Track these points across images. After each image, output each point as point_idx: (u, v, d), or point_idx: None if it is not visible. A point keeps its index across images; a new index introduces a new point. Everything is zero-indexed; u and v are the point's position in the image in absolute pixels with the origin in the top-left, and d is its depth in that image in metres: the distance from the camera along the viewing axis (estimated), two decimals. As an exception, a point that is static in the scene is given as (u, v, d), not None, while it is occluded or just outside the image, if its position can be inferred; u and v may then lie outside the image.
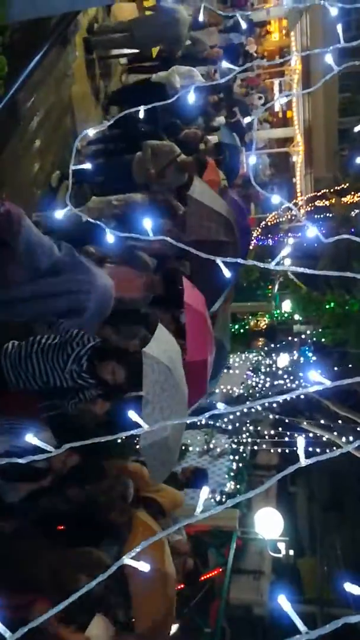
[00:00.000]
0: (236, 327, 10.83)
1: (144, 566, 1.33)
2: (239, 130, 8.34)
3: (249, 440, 8.76)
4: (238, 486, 8.25)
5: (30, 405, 3.22)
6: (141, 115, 2.61)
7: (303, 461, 1.36)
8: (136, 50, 7.95)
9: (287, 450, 8.96)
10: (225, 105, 8.06)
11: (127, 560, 1.31)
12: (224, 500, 7.65)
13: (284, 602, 1.10)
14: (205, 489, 1.49)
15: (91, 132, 2.31)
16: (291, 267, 1.53)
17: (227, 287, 4.74)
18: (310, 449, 8.14)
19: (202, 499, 1.38)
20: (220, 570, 6.23)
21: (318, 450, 8.13)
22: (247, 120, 7.56)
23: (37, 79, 5.00)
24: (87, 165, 2.30)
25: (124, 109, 2.42)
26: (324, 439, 8.81)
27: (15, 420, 3.00)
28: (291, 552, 9.43)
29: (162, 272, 4.35)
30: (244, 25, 7.66)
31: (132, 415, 1.59)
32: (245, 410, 8.27)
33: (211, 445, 8.08)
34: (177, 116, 6.40)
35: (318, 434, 8.97)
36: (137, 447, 3.68)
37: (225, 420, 8.41)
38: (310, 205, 14.68)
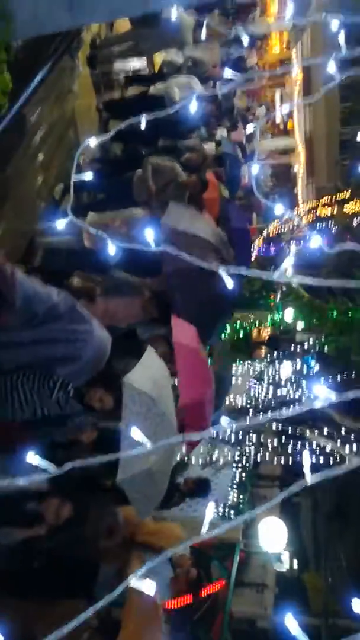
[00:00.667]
0: (239, 335, 10.82)
1: (150, 587, 1.33)
2: (239, 144, 8.36)
3: (252, 450, 8.72)
4: (241, 497, 8.21)
5: (20, 436, 3.16)
6: (143, 126, 2.64)
7: (309, 479, 1.36)
8: (139, 64, 8.07)
9: (290, 461, 8.93)
10: (226, 116, 8.07)
11: (132, 582, 1.30)
12: (227, 511, 7.62)
13: (291, 622, 1.10)
14: (210, 505, 1.49)
15: (93, 142, 2.33)
16: (295, 277, 1.54)
17: (224, 315, 4.60)
18: (314, 458, 8.13)
19: (208, 517, 1.38)
20: (224, 583, 6.17)
21: (322, 460, 8.10)
22: (249, 129, 7.60)
23: (41, 94, 5.07)
24: (89, 175, 2.31)
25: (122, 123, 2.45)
26: (328, 448, 8.77)
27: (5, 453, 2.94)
28: (295, 564, 9.34)
29: (155, 296, 4.25)
30: (245, 41, 7.69)
31: (135, 432, 1.58)
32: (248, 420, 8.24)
33: (214, 457, 8.05)
34: (177, 129, 6.37)
35: (322, 444, 8.93)
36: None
37: (228, 430, 8.38)
38: (311, 214, 14.72)
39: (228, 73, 1.91)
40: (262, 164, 14.24)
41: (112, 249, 2.07)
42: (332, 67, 1.87)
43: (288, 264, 1.40)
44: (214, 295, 4.05)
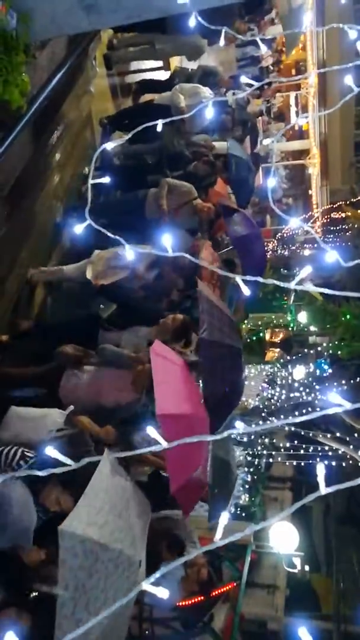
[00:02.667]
0: (252, 338, 10.80)
1: (163, 593, 1.34)
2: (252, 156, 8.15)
3: (264, 452, 8.70)
4: (253, 498, 8.20)
5: None
6: (159, 128, 2.65)
7: (323, 489, 1.34)
8: (155, 65, 8.07)
9: (302, 463, 8.88)
10: (240, 127, 7.83)
11: (145, 585, 1.31)
12: (239, 512, 7.61)
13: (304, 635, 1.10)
14: (224, 514, 1.49)
15: (109, 146, 2.36)
16: (311, 287, 1.54)
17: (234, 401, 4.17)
18: (326, 462, 8.07)
19: (222, 524, 1.38)
20: (235, 584, 6.17)
21: (334, 463, 8.04)
22: (266, 142, 7.38)
23: (58, 95, 5.11)
24: (106, 179, 2.34)
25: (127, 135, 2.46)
26: (340, 452, 8.71)
27: None
28: (306, 567, 9.30)
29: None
30: (263, 49, 7.63)
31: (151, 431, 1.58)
32: (260, 422, 8.23)
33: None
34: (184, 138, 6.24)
35: (334, 447, 8.87)
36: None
37: (240, 432, 8.36)
38: (326, 217, 14.65)
39: (244, 79, 1.91)
40: (277, 165, 14.20)
41: (130, 253, 2.08)
42: (349, 79, 1.88)
43: (305, 272, 1.39)
44: (238, 384, 4.06)
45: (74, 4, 3.37)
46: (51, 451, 1.48)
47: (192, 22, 2.87)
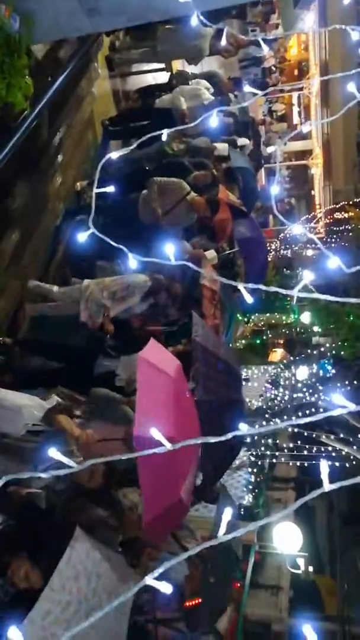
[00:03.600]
0: (256, 340, 10.81)
1: (166, 588, 1.35)
2: (255, 156, 8.11)
3: (268, 452, 8.70)
4: (256, 499, 8.20)
5: None
6: (164, 137, 2.64)
7: (327, 486, 1.35)
8: (157, 66, 8.07)
9: (305, 463, 8.88)
10: (242, 131, 7.73)
11: (149, 580, 1.32)
12: (242, 513, 7.61)
13: (309, 633, 1.10)
14: (228, 510, 1.49)
15: (115, 156, 2.36)
16: (314, 295, 1.54)
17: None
18: (330, 463, 8.07)
19: (225, 520, 1.39)
20: (239, 585, 6.18)
21: (337, 464, 8.04)
22: (270, 149, 7.31)
23: (61, 96, 5.12)
24: (111, 188, 2.33)
25: (126, 141, 2.44)
26: (343, 452, 8.70)
27: None
28: (310, 567, 9.28)
29: None
30: (266, 49, 7.58)
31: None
32: (264, 423, 8.23)
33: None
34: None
35: (337, 448, 8.87)
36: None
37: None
38: (329, 217, 14.63)
39: (248, 89, 1.91)
40: (279, 166, 14.18)
41: (133, 262, 2.06)
42: (352, 86, 1.88)
43: (307, 279, 1.39)
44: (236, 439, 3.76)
45: (77, 7, 3.38)
46: (54, 453, 1.48)
47: (194, 21, 2.86)
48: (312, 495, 1.32)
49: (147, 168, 5.70)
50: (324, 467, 1.31)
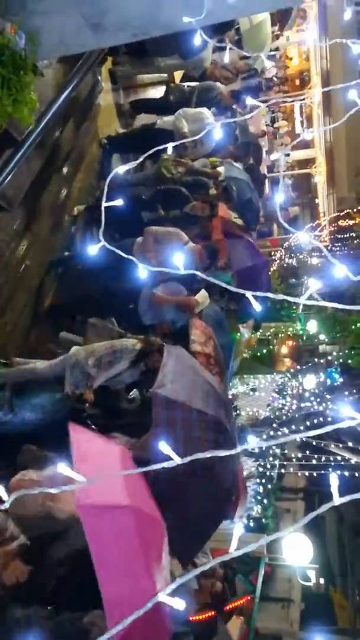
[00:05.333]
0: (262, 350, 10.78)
1: (180, 604, 1.34)
2: (255, 174, 7.99)
3: (276, 463, 8.63)
4: (265, 510, 8.12)
5: None
6: (169, 151, 2.64)
7: (337, 500, 1.34)
8: (160, 78, 8.15)
9: (314, 473, 8.80)
10: (243, 151, 7.44)
11: (162, 597, 1.31)
12: (251, 524, 7.54)
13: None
14: (239, 525, 1.48)
15: (121, 170, 2.37)
16: (321, 302, 1.54)
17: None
18: (339, 472, 7.99)
19: (236, 536, 1.38)
20: (249, 598, 6.10)
21: (346, 474, 7.96)
22: (274, 157, 7.19)
23: (66, 110, 5.18)
24: (119, 202, 2.34)
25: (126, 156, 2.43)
26: (353, 462, 8.62)
27: None
28: (321, 579, 9.18)
29: None
30: (268, 64, 7.52)
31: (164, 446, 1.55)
32: (271, 433, 8.18)
33: (237, 469, 7.97)
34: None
35: (346, 457, 8.79)
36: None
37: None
38: (333, 225, 14.64)
39: (250, 101, 1.93)
40: (282, 175, 14.23)
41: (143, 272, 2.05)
42: (353, 94, 1.89)
43: (314, 287, 1.37)
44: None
45: (81, 23, 3.42)
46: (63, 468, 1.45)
47: (197, 39, 2.89)
48: (322, 509, 1.30)
49: (143, 197, 5.52)
50: (334, 480, 1.29)
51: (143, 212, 5.56)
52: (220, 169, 6.42)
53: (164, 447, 1.59)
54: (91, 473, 1.95)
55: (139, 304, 4.86)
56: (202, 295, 4.90)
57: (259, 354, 10.36)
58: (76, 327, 5.03)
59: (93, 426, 3.72)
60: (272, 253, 13.95)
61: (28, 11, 3.25)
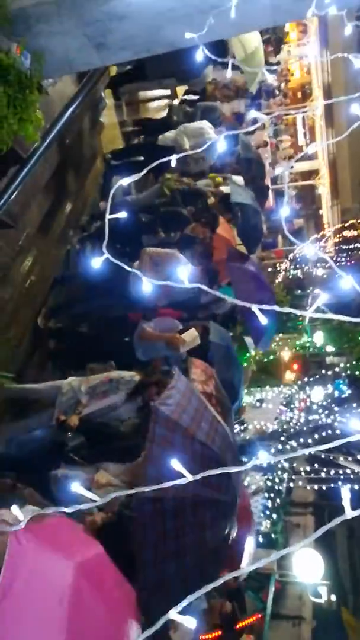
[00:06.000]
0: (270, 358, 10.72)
1: (191, 622, 1.31)
2: (259, 186, 7.93)
3: (285, 476, 8.54)
4: (274, 525, 8.02)
5: None
6: (173, 163, 2.64)
7: (349, 513, 1.32)
8: (163, 93, 8.23)
9: (324, 487, 8.70)
10: (244, 167, 7.29)
11: (172, 615, 1.28)
12: (260, 540, 7.44)
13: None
14: (250, 539, 1.45)
15: (125, 182, 2.38)
16: (328, 315, 1.52)
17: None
18: (349, 486, 7.89)
19: (247, 552, 1.35)
20: (259, 615, 6.00)
21: (357, 487, 7.86)
22: (278, 171, 7.12)
23: (70, 126, 5.24)
24: (123, 214, 2.35)
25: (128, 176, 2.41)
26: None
27: None
28: (333, 596, 9.01)
29: None
30: (270, 78, 7.55)
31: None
32: (279, 447, 8.10)
33: (245, 483, 7.90)
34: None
35: (355, 470, 8.69)
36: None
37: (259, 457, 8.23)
38: (338, 236, 14.65)
39: (254, 114, 1.93)
40: (286, 187, 14.30)
41: (147, 286, 2.04)
42: (356, 108, 1.89)
43: (321, 300, 1.36)
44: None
45: (85, 43, 3.46)
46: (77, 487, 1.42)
47: (199, 55, 2.92)
48: (333, 523, 1.28)
49: (143, 219, 5.43)
50: (346, 493, 1.27)
51: (144, 235, 5.49)
52: (225, 188, 6.34)
53: (175, 464, 1.52)
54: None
55: (133, 339, 4.71)
56: (190, 335, 4.64)
57: (265, 366, 10.31)
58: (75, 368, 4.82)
59: (77, 458, 3.51)
60: (277, 264, 13.96)
61: (33, 32, 3.30)
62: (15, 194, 4.07)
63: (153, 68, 6.57)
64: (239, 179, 6.82)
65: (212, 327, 4.82)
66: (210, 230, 5.51)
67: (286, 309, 1.64)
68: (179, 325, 4.73)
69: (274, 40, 11.75)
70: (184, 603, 1.32)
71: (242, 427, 8.71)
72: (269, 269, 13.43)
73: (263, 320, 1.64)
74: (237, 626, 5.18)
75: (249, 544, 2.94)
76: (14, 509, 1.41)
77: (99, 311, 5.00)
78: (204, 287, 1.79)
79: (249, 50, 6.99)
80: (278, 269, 13.64)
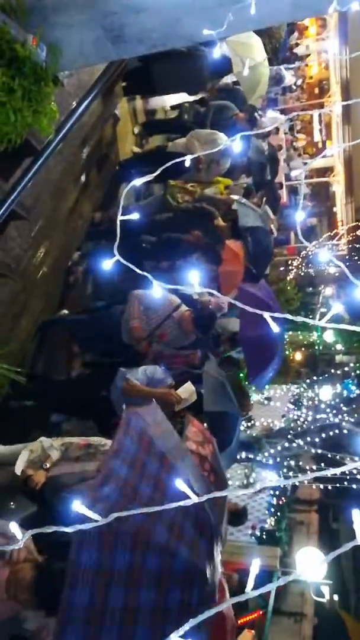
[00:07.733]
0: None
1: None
2: (270, 190, 7.71)
3: (290, 474, 8.52)
4: (278, 522, 8.02)
5: None
6: (187, 163, 2.61)
7: (360, 539, 1.27)
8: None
9: (329, 485, 8.68)
10: (255, 167, 7.11)
11: (174, 638, 1.25)
12: (264, 537, 7.45)
13: None
14: (256, 561, 1.42)
15: (138, 183, 2.36)
16: (341, 325, 1.50)
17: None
18: (354, 485, 7.87)
19: (255, 568, 1.33)
20: (261, 612, 6.02)
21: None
22: (294, 173, 7.01)
23: (85, 120, 5.22)
24: (135, 216, 2.33)
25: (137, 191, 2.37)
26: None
27: None
28: (335, 596, 9.02)
29: None
30: (290, 80, 7.40)
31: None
32: (286, 444, 8.09)
33: (251, 480, 7.90)
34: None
35: (362, 470, 8.65)
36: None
37: (266, 454, 8.25)
38: (351, 235, 14.52)
39: (271, 114, 1.89)
40: (300, 183, 14.18)
41: (158, 290, 1.99)
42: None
43: (335, 310, 1.33)
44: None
45: (101, 35, 3.43)
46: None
47: (217, 52, 2.89)
48: (344, 548, 1.24)
49: (143, 245, 5.14)
50: (357, 517, 1.22)
51: (145, 261, 5.14)
52: (234, 206, 5.98)
53: (180, 484, 1.38)
54: None
55: (111, 390, 4.10)
56: (187, 390, 4.06)
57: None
58: (50, 428, 4.50)
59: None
60: (289, 261, 13.88)
61: (49, 24, 3.28)
62: (28, 186, 4.06)
63: (161, 83, 6.40)
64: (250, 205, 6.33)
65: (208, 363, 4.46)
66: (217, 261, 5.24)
67: (299, 318, 1.60)
68: (168, 379, 4.15)
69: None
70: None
71: (249, 424, 8.70)
72: (281, 268, 13.36)
73: (275, 328, 1.57)
74: (239, 622, 5.21)
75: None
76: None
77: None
78: (215, 292, 1.75)
79: (251, 64, 6.87)
80: (290, 266, 13.56)
